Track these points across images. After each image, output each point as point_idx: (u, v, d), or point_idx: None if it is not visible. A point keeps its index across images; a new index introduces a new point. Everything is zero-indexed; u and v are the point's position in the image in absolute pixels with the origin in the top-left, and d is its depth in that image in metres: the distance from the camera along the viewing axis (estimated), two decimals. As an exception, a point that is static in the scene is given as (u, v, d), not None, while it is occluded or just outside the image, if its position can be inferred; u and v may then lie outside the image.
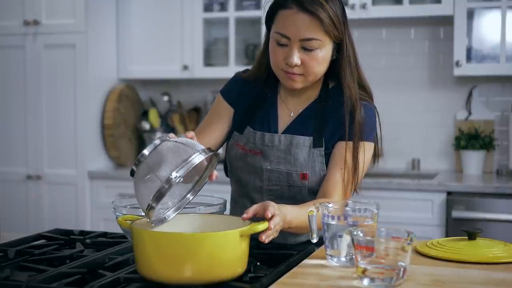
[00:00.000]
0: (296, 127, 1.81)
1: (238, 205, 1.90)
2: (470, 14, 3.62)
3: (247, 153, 1.83)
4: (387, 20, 3.80)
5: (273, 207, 1.44)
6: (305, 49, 1.69)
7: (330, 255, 1.48)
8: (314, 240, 1.54)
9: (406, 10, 3.62)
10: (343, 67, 1.75)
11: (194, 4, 3.94)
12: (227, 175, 1.97)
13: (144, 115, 4.24)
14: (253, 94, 1.88)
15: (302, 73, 1.72)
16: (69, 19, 3.85)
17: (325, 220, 1.48)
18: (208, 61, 4.02)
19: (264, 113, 1.85)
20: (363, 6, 3.61)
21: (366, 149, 1.77)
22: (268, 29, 1.78)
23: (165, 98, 4.25)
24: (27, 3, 3.91)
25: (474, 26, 3.66)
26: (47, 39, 3.89)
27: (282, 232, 1.54)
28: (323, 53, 1.71)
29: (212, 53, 4.03)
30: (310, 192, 1.80)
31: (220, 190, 1.99)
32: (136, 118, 4.23)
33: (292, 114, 1.84)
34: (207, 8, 4.00)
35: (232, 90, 1.91)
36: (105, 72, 4.03)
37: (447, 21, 3.69)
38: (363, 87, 1.81)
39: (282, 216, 1.48)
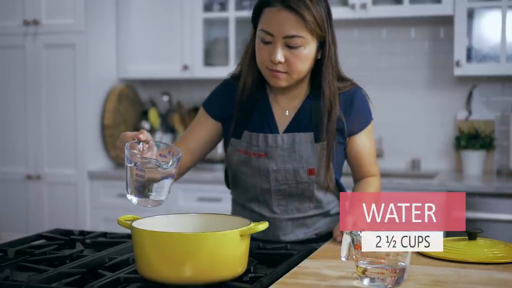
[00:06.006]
0: (296, 125, 1.83)
1: (246, 211, 1.89)
2: (470, 14, 3.62)
3: (250, 156, 1.83)
4: (387, 20, 3.80)
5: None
6: (289, 47, 1.71)
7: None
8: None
9: (406, 10, 3.62)
10: (325, 66, 1.78)
11: (194, 4, 3.94)
12: (228, 187, 1.98)
13: (144, 115, 4.24)
14: (241, 99, 1.86)
15: (286, 71, 1.74)
16: (69, 19, 3.85)
17: None
18: (208, 61, 4.01)
19: (260, 115, 1.85)
20: (363, 6, 3.61)
21: (370, 129, 1.89)
22: (255, 28, 1.80)
23: (165, 98, 4.25)
24: (27, 3, 3.90)
25: (474, 26, 3.66)
26: (47, 39, 3.89)
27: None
28: (306, 51, 1.73)
29: (212, 53, 4.03)
30: (318, 187, 1.82)
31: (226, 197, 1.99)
32: (136, 118, 4.23)
33: (287, 113, 1.85)
34: (207, 8, 4.00)
35: (214, 104, 1.91)
36: (104, 72, 4.03)
37: (447, 21, 3.69)
38: (343, 79, 1.86)
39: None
